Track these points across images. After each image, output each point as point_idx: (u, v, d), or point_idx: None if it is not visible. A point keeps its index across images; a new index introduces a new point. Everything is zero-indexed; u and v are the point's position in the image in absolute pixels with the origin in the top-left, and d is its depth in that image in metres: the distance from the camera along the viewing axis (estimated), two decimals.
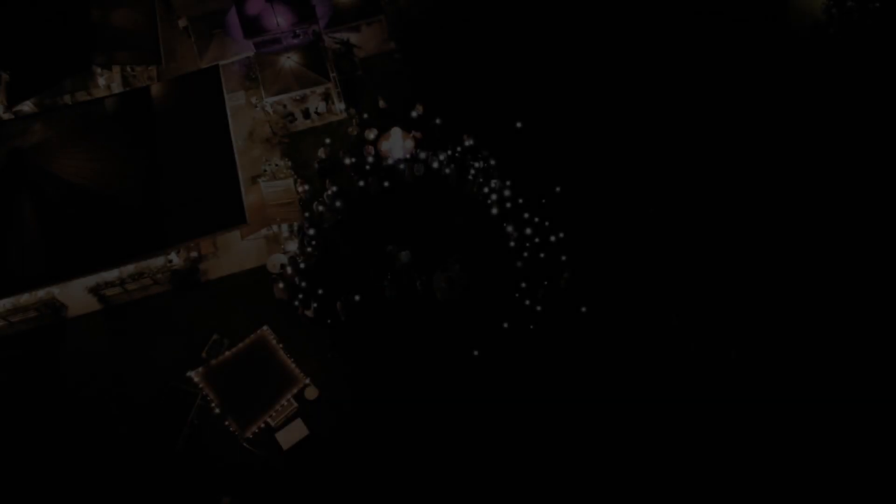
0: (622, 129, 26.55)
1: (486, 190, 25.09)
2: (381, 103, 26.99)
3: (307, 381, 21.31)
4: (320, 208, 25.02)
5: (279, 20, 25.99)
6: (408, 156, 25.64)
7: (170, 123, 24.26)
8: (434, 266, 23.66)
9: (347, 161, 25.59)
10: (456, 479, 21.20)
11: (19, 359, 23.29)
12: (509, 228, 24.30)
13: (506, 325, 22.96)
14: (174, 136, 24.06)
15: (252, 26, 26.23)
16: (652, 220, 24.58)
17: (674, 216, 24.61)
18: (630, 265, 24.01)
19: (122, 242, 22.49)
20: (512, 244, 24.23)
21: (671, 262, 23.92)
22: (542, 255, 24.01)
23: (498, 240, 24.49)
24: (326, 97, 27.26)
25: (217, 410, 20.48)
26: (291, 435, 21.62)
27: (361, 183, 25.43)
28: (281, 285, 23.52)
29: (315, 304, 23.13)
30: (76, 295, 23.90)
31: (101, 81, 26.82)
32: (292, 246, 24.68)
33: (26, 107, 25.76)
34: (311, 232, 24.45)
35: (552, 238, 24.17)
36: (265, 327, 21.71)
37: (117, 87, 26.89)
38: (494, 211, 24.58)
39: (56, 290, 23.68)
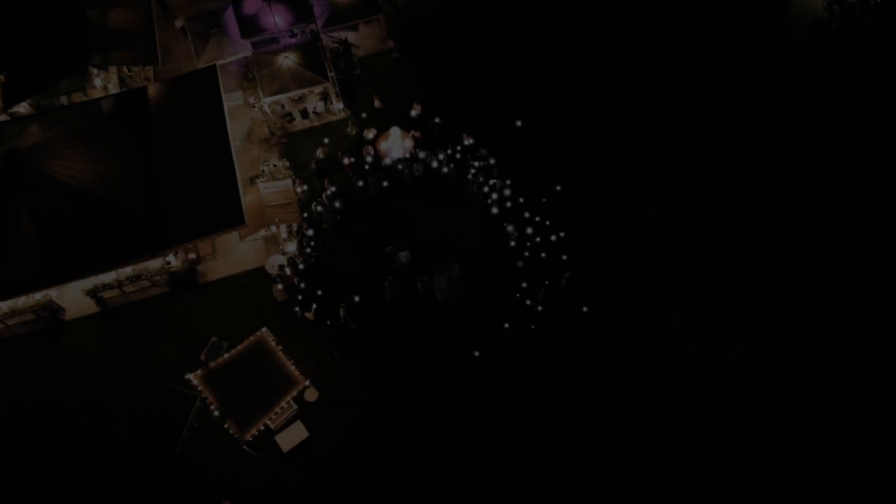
0: (623, 128, 26.42)
1: (485, 189, 24.96)
2: (377, 103, 26.83)
3: (307, 382, 21.18)
4: (319, 209, 24.88)
5: (277, 19, 25.85)
6: (407, 155, 25.51)
7: (167, 124, 24.09)
8: (434, 266, 23.50)
9: (346, 161, 25.45)
10: (457, 480, 21.08)
11: (17, 362, 23.13)
12: (510, 228, 24.17)
13: (507, 325, 22.83)
14: (171, 136, 23.89)
15: (249, 26, 26.09)
16: (654, 219, 24.43)
17: (676, 214, 24.45)
18: (631, 264, 23.87)
19: (119, 244, 22.30)
20: (512, 244, 24.10)
21: (672, 260, 23.78)
22: (542, 254, 23.88)
23: (498, 239, 24.35)
24: (325, 97, 27.12)
25: (216, 413, 20.34)
26: (291, 437, 21.47)
27: (360, 183, 25.29)
28: (280, 286, 23.39)
29: (315, 306, 22.98)
30: (74, 297, 23.76)
31: (98, 82, 26.68)
32: (291, 247, 24.55)
33: (22, 108, 25.60)
34: (310, 233, 24.33)
35: (553, 237, 24.04)
36: (264, 329, 21.58)
37: (114, 88, 26.75)
38: (494, 210, 24.44)
39: (53, 293, 23.52)
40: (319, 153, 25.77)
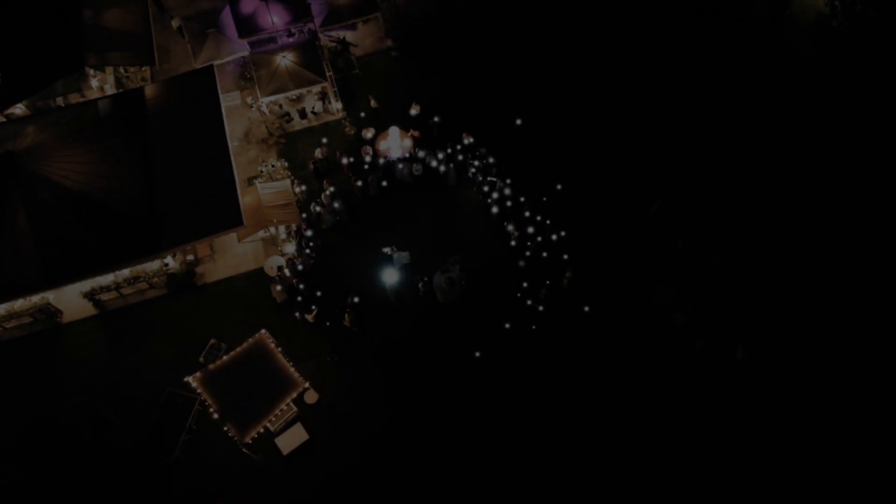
0: (624, 127, 26.25)
1: (485, 188, 24.79)
2: (373, 103, 26.66)
3: (306, 384, 21.04)
4: (318, 209, 24.73)
5: (274, 19, 25.71)
6: (406, 155, 25.35)
7: (164, 125, 23.92)
8: (434, 267, 23.34)
9: (345, 161, 25.30)
10: (459, 482, 20.94)
11: (14, 365, 22.98)
12: (510, 227, 24.02)
13: (508, 325, 22.68)
14: (169, 137, 23.72)
15: (246, 25, 25.94)
16: (655, 217, 24.27)
17: (677, 212, 24.29)
18: (633, 263, 23.71)
19: (117, 246, 22.14)
20: (513, 243, 23.95)
21: (674, 259, 23.62)
22: (543, 254, 23.73)
23: (499, 239, 24.19)
24: (323, 96, 26.97)
25: (216, 416, 20.19)
26: (291, 439, 21.35)
27: (359, 183, 25.13)
28: (279, 288, 23.24)
29: (314, 308, 22.83)
30: (71, 300, 23.65)
31: (94, 83, 26.51)
32: (290, 248, 24.40)
33: (18, 109, 25.45)
34: (309, 233, 24.18)
35: (554, 237, 23.88)
36: (263, 331, 21.42)
37: (110, 89, 26.59)
38: (495, 210, 24.28)
39: (51, 296, 23.39)
40: (318, 153, 25.62)
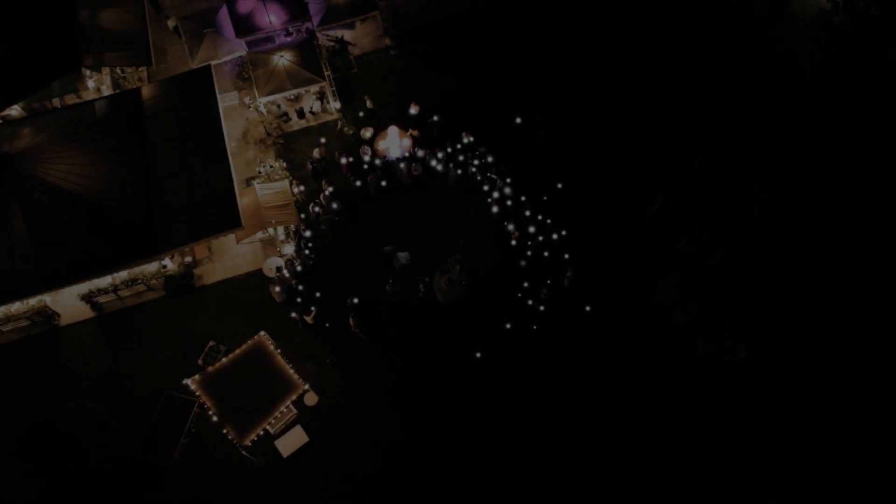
0: (624, 125, 26.10)
1: (485, 188, 24.63)
2: (369, 103, 26.49)
3: (306, 386, 20.88)
4: (317, 210, 24.57)
5: (271, 18, 25.54)
6: (405, 154, 25.19)
7: (161, 125, 23.74)
8: (434, 267, 23.18)
9: (343, 161, 25.15)
10: (460, 483, 20.81)
11: (12, 369, 22.81)
12: (510, 227, 23.86)
13: (508, 325, 22.54)
14: (166, 138, 23.54)
15: (244, 25, 25.77)
16: (657, 216, 24.12)
17: (679, 211, 24.15)
18: (634, 262, 23.56)
19: (114, 248, 21.98)
20: (513, 243, 23.80)
21: (675, 258, 23.48)
22: (544, 253, 23.58)
23: (499, 239, 24.04)
24: (321, 96, 26.80)
25: (215, 418, 20.04)
26: (291, 442, 21.23)
27: (358, 183, 24.97)
28: (278, 289, 23.09)
29: (314, 309, 22.67)
30: (68, 303, 23.50)
31: (91, 84, 26.34)
32: (289, 249, 24.25)
33: (14, 111, 25.27)
34: (308, 234, 24.03)
35: (554, 236, 23.73)
36: (262, 333, 21.26)
37: (107, 90, 26.41)
38: (495, 209, 24.13)
39: (48, 298, 23.22)
40: (316, 153, 25.46)
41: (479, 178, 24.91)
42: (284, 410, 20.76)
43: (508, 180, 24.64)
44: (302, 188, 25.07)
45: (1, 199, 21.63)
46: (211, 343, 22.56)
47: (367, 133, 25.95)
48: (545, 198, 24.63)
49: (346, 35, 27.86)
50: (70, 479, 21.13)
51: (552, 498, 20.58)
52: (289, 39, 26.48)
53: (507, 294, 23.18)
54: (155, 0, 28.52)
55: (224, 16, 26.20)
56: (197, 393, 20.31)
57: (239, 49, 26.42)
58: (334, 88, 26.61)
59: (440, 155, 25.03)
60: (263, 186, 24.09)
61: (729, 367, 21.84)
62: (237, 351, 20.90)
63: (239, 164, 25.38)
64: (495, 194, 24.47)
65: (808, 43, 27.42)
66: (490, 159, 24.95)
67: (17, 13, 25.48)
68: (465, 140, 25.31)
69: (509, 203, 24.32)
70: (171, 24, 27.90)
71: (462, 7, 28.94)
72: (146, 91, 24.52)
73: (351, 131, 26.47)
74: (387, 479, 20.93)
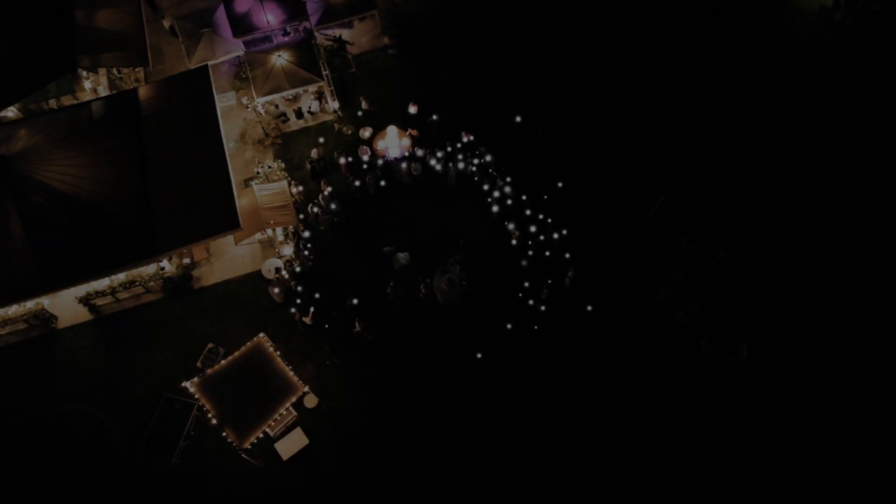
0: (625, 123, 25.94)
1: (486, 187, 24.48)
2: (365, 104, 26.33)
3: (306, 388, 20.75)
4: (315, 210, 24.42)
5: (269, 17, 25.38)
6: (405, 154, 25.04)
7: (159, 126, 23.59)
8: (434, 267, 23.04)
9: (342, 161, 25.00)
10: (461, 484, 20.67)
11: (9, 372, 22.67)
12: (511, 226, 23.72)
13: (509, 326, 22.40)
14: (163, 139, 23.39)
15: (241, 24, 25.61)
16: (658, 215, 23.97)
17: (680, 209, 24.00)
18: (636, 261, 23.41)
19: (112, 250, 21.83)
20: (514, 242, 23.65)
21: (677, 257, 23.34)
22: (545, 253, 23.44)
23: (499, 239, 23.88)
24: (319, 96, 26.64)
25: (214, 421, 19.92)
26: (291, 444, 21.10)
27: (357, 183, 24.83)
28: (277, 291, 22.94)
29: (313, 310, 22.54)
30: (66, 305, 23.35)
31: (87, 85, 26.21)
32: (287, 250, 24.11)
33: (10, 113, 25.14)
34: (307, 235, 23.89)
35: (555, 235, 23.58)
36: (261, 334, 21.13)
37: (104, 91, 26.27)
38: (495, 209, 23.98)
39: (45, 301, 23.11)
40: (315, 153, 25.32)
41: (476, 178, 24.73)
42: (284, 413, 20.61)
43: (508, 179, 24.49)
44: (301, 189, 24.92)
45: None
46: (210, 345, 22.43)
47: (366, 133, 25.80)
48: (546, 197, 24.48)
49: (345, 34, 27.71)
50: (69, 482, 20.95)
51: (554, 498, 20.45)
52: (287, 39, 26.33)
53: (508, 294, 23.03)
54: (152, 0, 28.36)
55: (221, 15, 26.05)
56: (196, 395, 20.19)
57: (236, 49, 26.27)
58: (333, 88, 26.46)
59: (440, 154, 24.88)
60: (262, 187, 23.95)
61: (731, 367, 21.68)
62: (236, 353, 20.76)
63: (237, 164, 25.23)
64: (495, 193, 24.32)
65: (809, 40, 27.23)
66: (490, 158, 24.79)
67: (13, 14, 25.32)
68: (465, 139, 25.15)
69: (509, 202, 24.18)
70: (166, 23, 27.79)
71: (461, 6, 28.83)
72: (143, 92, 24.37)
73: (350, 131, 26.32)
74: (388, 482, 20.78)
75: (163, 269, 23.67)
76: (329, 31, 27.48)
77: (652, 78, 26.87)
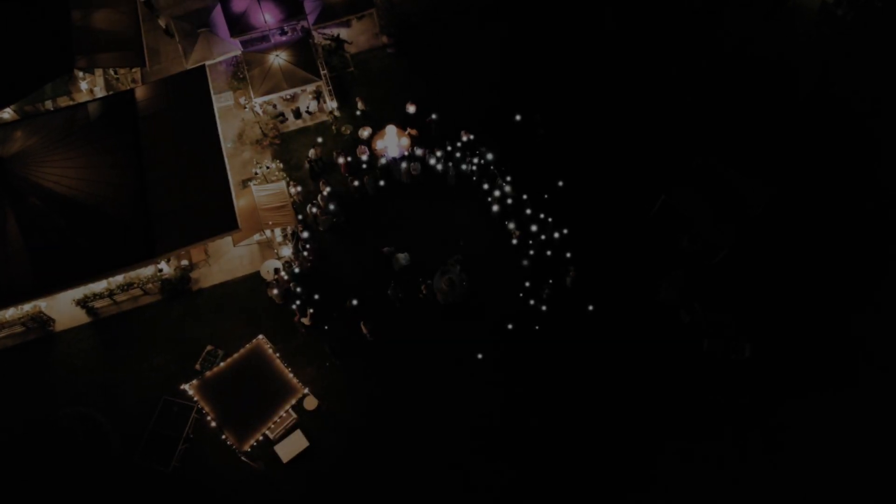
0: (626, 122, 25.79)
1: (486, 187, 24.33)
2: (361, 104, 26.16)
3: (305, 390, 20.64)
4: (314, 210, 24.28)
5: (266, 17, 25.22)
6: (404, 153, 24.89)
7: (156, 127, 23.45)
8: (434, 268, 22.90)
9: (341, 161, 24.85)
10: (462, 486, 20.55)
11: (7, 375, 22.54)
12: (511, 226, 23.57)
13: (510, 326, 22.27)
14: (161, 139, 23.25)
15: (238, 24, 25.45)
16: (659, 214, 23.83)
17: (681, 209, 23.86)
18: (637, 261, 23.27)
19: (109, 252, 21.69)
20: (514, 242, 23.51)
21: (679, 257, 23.20)
22: (546, 252, 23.30)
23: (500, 238, 23.74)
24: (318, 95, 26.48)
25: (213, 424, 19.79)
26: (291, 447, 20.99)
27: (356, 183, 24.68)
28: (276, 292, 22.80)
29: (311, 311, 22.40)
30: (64, 308, 23.22)
31: (84, 85, 26.04)
32: (286, 251, 23.96)
33: (6, 114, 25.00)
34: (306, 235, 23.74)
35: (556, 235, 23.44)
36: (261, 336, 21.00)
37: (100, 91, 26.10)
38: (495, 208, 23.83)
39: (43, 304, 22.97)
40: (313, 153, 25.16)
41: (474, 178, 24.57)
42: (284, 415, 20.48)
43: (509, 178, 24.35)
44: (299, 189, 24.78)
45: None
46: (209, 347, 22.30)
47: (365, 132, 25.65)
48: (546, 196, 24.33)
49: (342, 33, 27.56)
50: (67, 486, 20.84)
51: (557, 498, 20.34)
52: (284, 38, 26.17)
53: (509, 294, 22.89)
54: (148, 0, 28.19)
55: (218, 15, 25.89)
56: (195, 398, 20.06)
57: (234, 49, 26.11)
58: (331, 88, 26.31)
59: (439, 154, 24.73)
60: (260, 188, 23.80)
61: (734, 366, 21.54)
62: (235, 355, 20.63)
63: (235, 165, 25.09)
64: (496, 193, 24.17)
65: (810, 36, 27.07)
66: (490, 157, 24.64)
67: (8, 14, 25.15)
68: (465, 138, 25.00)
69: (510, 202, 24.03)
70: (161, 23, 27.65)
71: (459, 5, 28.67)
72: (140, 92, 24.22)
73: (348, 131, 26.17)
74: (388, 484, 20.65)
75: (161, 270, 23.53)
76: (327, 31, 27.33)
77: (651, 78, 26.70)
